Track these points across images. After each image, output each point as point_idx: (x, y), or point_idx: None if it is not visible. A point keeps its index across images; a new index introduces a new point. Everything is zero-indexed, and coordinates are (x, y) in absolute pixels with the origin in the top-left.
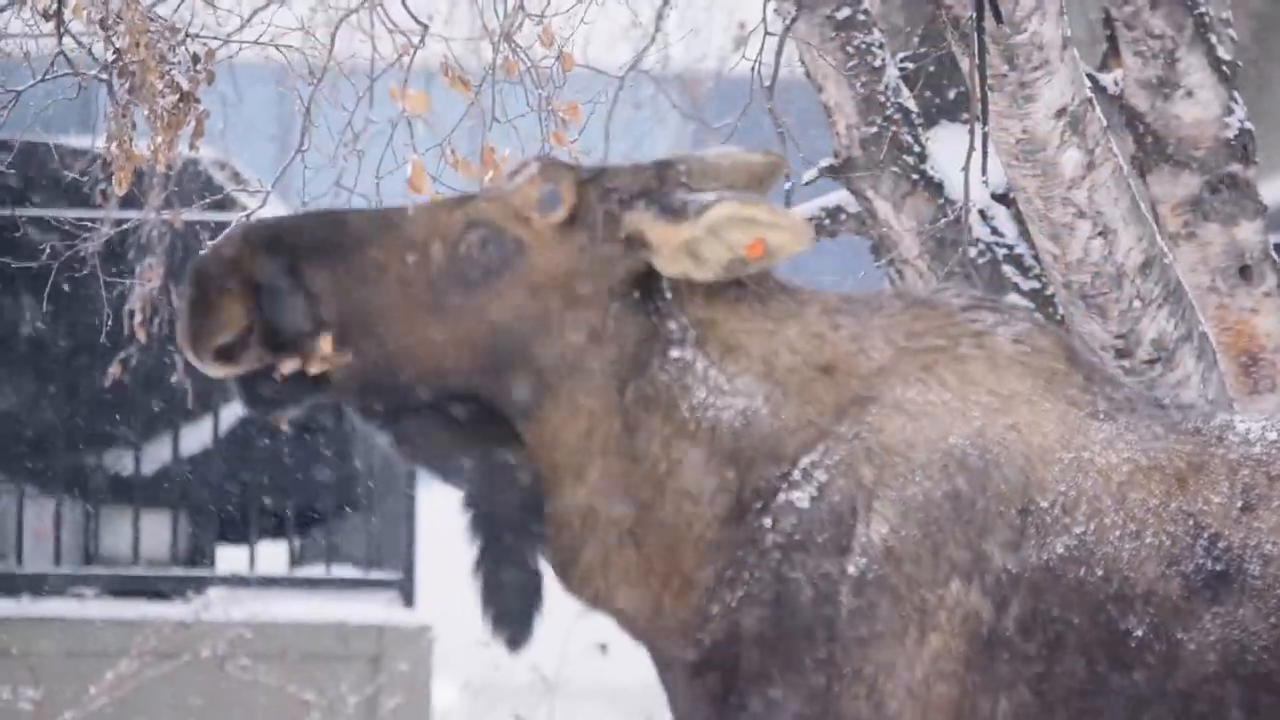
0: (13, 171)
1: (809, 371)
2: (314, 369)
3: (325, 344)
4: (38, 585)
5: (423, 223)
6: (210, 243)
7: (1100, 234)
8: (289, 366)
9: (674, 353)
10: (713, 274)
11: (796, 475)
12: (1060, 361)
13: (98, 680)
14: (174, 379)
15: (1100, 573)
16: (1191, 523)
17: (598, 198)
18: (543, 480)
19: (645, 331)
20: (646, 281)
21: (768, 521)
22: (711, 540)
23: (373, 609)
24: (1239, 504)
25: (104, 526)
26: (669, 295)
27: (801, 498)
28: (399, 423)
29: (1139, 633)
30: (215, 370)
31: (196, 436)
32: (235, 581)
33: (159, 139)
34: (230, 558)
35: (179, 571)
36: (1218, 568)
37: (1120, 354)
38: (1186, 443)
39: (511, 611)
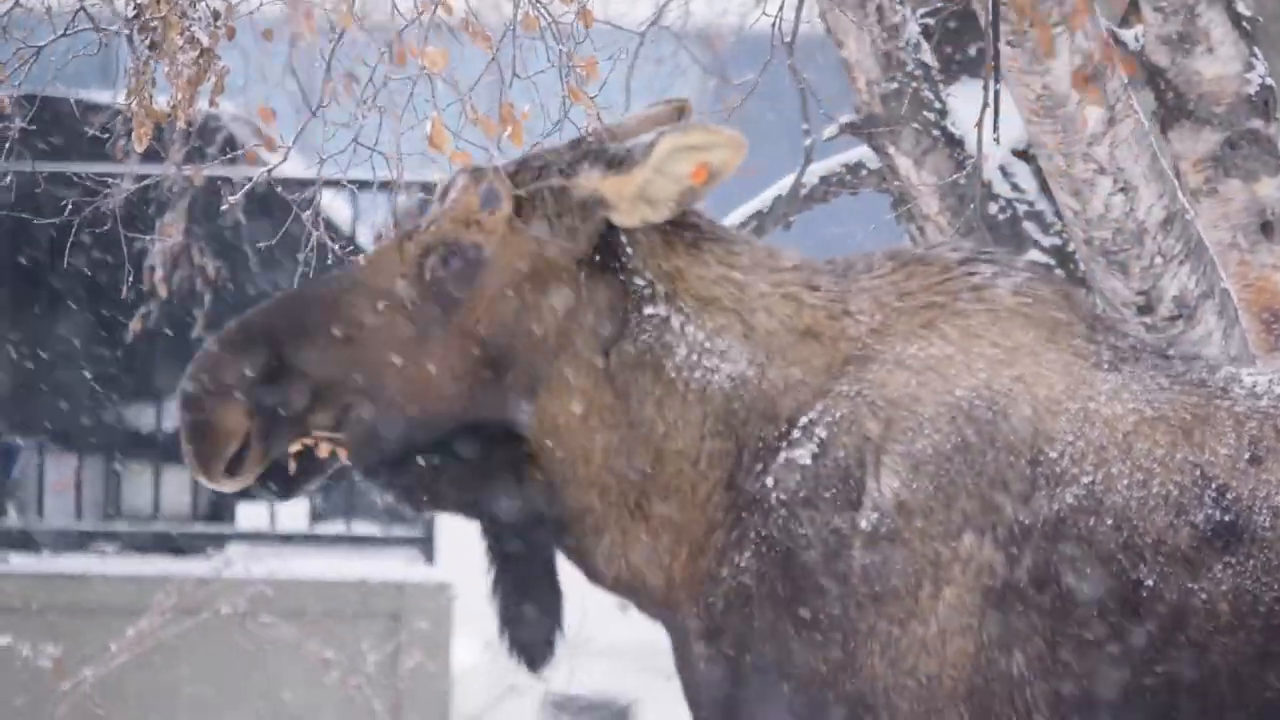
0: (33, 127)
1: (789, 336)
2: (321, 450)
3: (322, 420)
4: (58, 541)
5: (381, 268)
6: (189, 366)
7: (1121, 190)
8: (295, 447)
9: (648, 309)
10: (668, 211)
11: (796, 434)
12: (1062, 311)
13: (117, 637)
14: (195, 334)
15: (1110, 522)
16: (1198, 473)
17: (534, 179)
18: (556, 485)
19: (616, 292)
20: (606, 243)
21: (770, 481)
22: (716, 504)
23: (393, 566)
24: (1246, 456)
25: (125, 482)
26: (630, 251)
27: (803, 455)
28: (411, 473)
29: (1150, 582)
30: (230, 485)
31: None
32: (255, 538)
33: (179, 95)
34: (250, 514)
35: (199, 528)
36: (1226, 518)
37: (1142, 310)
38: (1191, 394)
39: (531, 634)
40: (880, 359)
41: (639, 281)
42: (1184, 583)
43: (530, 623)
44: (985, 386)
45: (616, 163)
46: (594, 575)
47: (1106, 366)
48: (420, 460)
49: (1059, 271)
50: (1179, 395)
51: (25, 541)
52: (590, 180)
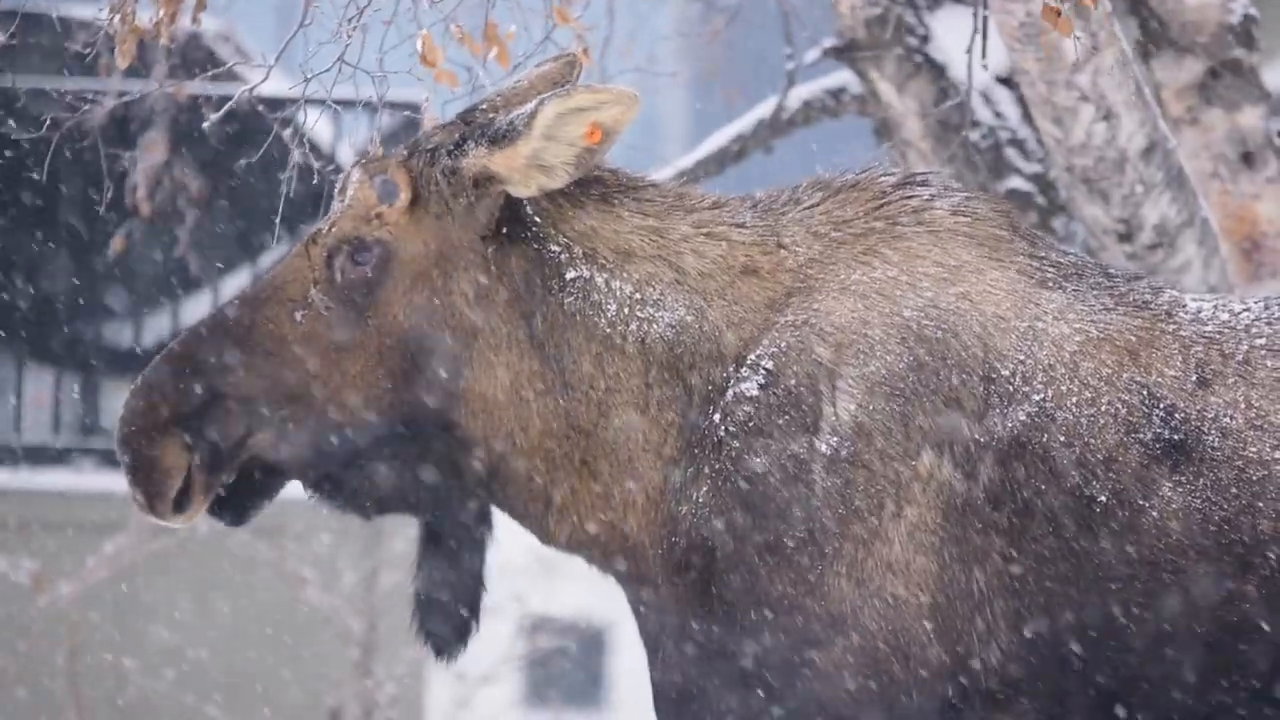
0: (15, 41)
1: (725, 276)
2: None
3: (261, 441)
4: (36, 456)
5: (291, 278)
6: (121, 408)
7: (1103, 118)
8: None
9: (570, 273)
10: (567, 175)
11: (744, 371)
12: (1003, 229)
13: (95, 553)
14: (175, 252)
15: (1062, 439)
16: (1145, 393)
17: (427, 164)
18: (497, 462)
19: (530, 261)
20: (511, 216)
21: (718, 418)
22: (670, 447)
23: None
24: (1193, 378)
25: (103, 399)
26: (539, 219)
27: (750, 387)
28: (353, 481)
29: (1102, 498)
30: (179, 520)
31: (196, 309)
32: None
33: (161, 11)
34: None
35: None
36: (1176, 437)
37: (1122, 238)
38: (1135, 317)
39: (445, 626)
40: (824, 288)
41: (554, 248)
42: (1135, 500)
43: (447, 615)
44: (932, 305)
45: (500, 137)
46: (548, 539)
47: (1051, 285)
48: (360, 467)
49: (1040, 199)
50: (1123, 317)
51: (2, 456)
52: (478, 158)
